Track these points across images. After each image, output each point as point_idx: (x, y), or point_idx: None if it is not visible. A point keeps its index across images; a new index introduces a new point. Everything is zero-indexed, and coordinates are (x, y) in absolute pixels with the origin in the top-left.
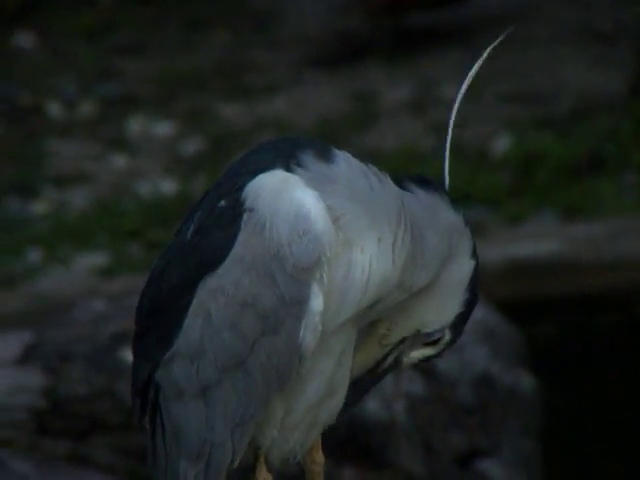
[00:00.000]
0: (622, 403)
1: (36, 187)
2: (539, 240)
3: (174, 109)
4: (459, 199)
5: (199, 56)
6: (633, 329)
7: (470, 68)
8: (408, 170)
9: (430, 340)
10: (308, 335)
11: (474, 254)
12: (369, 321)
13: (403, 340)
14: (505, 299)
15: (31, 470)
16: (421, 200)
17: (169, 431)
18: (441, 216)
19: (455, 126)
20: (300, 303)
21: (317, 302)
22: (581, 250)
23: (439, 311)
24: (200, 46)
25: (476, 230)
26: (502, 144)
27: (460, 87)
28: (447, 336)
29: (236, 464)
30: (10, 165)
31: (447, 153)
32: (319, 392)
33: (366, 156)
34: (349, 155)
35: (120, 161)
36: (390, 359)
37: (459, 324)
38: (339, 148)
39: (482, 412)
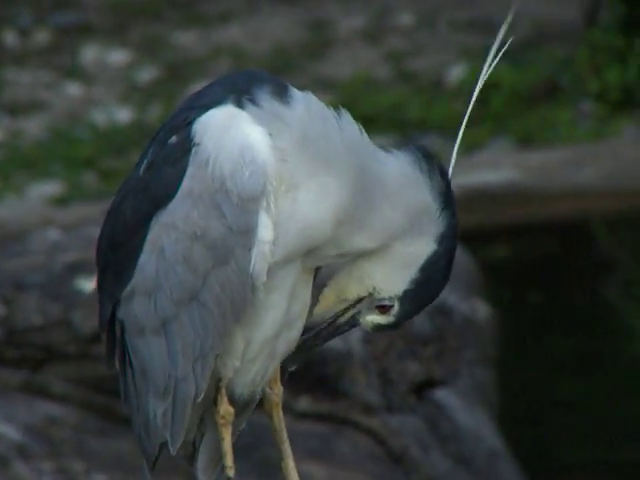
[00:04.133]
0: (573, 328)
1: None
2: (495, 168)
3: (129, 38)
4: (415, 127)
5: None
6: (583, 255)
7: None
8: (362, 98)
9: (380, 306)
10: (258, 264)
11: (443, 242)
12: (310, 267)
13: (360, 300)
14: (461, 227)
15: None
16: (396, 170)
17: (137, 368)
18: (412, 193)
19: (410, 54)
20: (248, 232)
21: (265, 231)
22: (536, 178)
23: (388, 279)
24: None
25: None
26: (457, 72)
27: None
28: (396, 308)
29: (200, 398)
30: None
31: (455, 154)
32: (275, 324)
33: (322, 84)
34: (312, 98)
35: (75, 89)
36: (347, 315)
37: (408, 302)
38: (295, 77)
39: (438, 342)
